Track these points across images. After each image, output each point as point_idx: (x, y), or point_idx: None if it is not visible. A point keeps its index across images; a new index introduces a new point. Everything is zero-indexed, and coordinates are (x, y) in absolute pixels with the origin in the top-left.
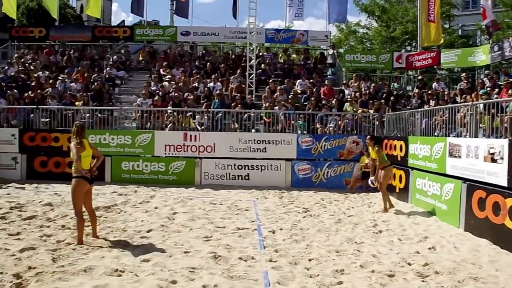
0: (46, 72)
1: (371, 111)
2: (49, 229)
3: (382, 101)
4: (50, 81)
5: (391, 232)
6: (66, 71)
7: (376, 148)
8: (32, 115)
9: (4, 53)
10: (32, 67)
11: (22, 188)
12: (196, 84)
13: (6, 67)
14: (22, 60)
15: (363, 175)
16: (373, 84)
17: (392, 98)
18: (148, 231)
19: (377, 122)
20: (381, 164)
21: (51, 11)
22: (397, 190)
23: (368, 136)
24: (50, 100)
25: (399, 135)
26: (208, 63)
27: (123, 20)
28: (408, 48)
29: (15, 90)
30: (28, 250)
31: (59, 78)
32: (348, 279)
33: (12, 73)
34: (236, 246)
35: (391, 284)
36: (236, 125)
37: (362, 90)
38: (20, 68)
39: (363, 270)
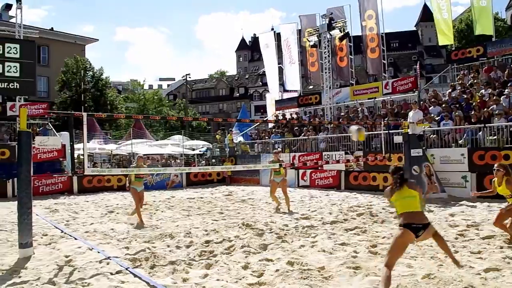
0: (489, 89)
1: None
2: (511, 250)
3: None
4: (494, 97)
5: None
6: (508, 85)
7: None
8: (479, 133)
9: (443, 77)
10: (473, 86)
11: (474, 206)
12: None
13: (450, 90)
14: (461, 81)
15: None
16: None
17: None
18: None
19: None
20: None
21: (483, 29)
22: None
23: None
24: (496, 118)
25: None
26: None
27: None
28: None
29: (459, 111)
30: (493, 270)
31: (504, 93)
32: None
33: (454, 95)
34: None
35: None
36: None
37: None
38: (460, 89)
39: None
